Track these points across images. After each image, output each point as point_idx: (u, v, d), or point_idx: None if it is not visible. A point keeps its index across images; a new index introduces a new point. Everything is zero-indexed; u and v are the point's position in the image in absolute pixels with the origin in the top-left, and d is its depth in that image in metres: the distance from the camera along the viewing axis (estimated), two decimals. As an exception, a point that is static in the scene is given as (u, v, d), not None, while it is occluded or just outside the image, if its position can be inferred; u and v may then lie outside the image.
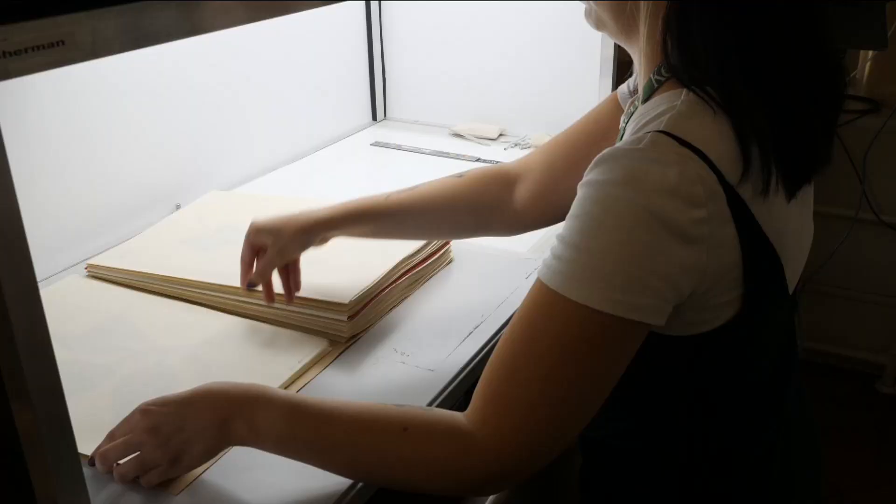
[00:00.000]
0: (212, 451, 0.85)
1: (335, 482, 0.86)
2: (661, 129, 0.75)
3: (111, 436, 0.87)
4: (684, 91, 0.78)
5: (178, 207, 1.51)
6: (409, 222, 1.16)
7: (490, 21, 1.93)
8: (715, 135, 0.75)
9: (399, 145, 1.95)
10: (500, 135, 1.98)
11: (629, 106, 0.93)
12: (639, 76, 0.89)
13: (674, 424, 0.91)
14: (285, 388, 1.01)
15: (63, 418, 0.63)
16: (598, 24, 0.92)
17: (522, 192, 1.16)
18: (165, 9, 0.61)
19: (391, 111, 2.14)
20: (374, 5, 2.02)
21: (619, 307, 0.73)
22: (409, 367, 1.06)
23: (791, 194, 0.81)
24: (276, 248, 1.10)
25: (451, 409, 1.05)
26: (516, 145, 1.92)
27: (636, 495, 0.97)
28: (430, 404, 0.99)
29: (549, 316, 0.76)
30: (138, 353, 1.08)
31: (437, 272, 1.30)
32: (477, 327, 1.14)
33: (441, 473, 0.78)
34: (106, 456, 0.86)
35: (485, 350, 1.10)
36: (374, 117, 2.13)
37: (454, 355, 1.08)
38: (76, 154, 1.34)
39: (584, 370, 0.76)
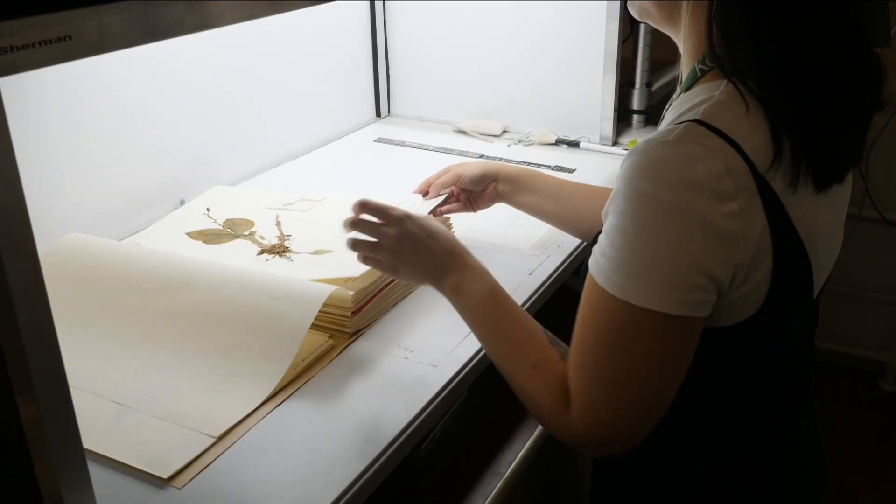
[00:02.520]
0: (416, 278, 1.03)
1: (336, 480, 0.86)
2: (697, 118, 0.77)
3: (364, 205, 1.02)
4: (724, 82, 0.80)
5: (182, 203, 1.51)
6: (566, 204, 1.27)
7: (494, 18, 1.93)
8: (750, 126, 0.77)
9: (403, 142, 1.95)
10: (504, 131, 1.98)
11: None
12: (682, 64, 0.91)
13: (690, 425, 0.92)
14: (288, 383, 1.02)
15: (68, 413, 0.63)
16: (642, 13, 0.93)
17: None
18: (171, 4, 0.61)
19: (395, 108, 2.14)
20: (378, 4, 2.02)
21: (655, 302, 0.77)
22: (411, 362, 1.06)
23: (819, 189, 0.81)
24: (455, 170, 1.32)
25: (453, 404, 1.05)
26: (519, 142, 1.92)
27: (647, 495, 0.98)
28: (432, 400, 0.99)
29: (598, 309, 0.81)
30: (141, 347, 1.08)
31: (440, 268, 1.29)
32: (480, 323, 1.14)
33: (539, 414, 0.88)
34: (357, 225, 1.02)
35: (488, 346, 1.10)
36: (378, 114, 2.13)
37: (457, 351, 1.08)
38: (79, 150, 1.34)
39: (637, 362, 0.79)
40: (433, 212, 1.31)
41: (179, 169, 1.55)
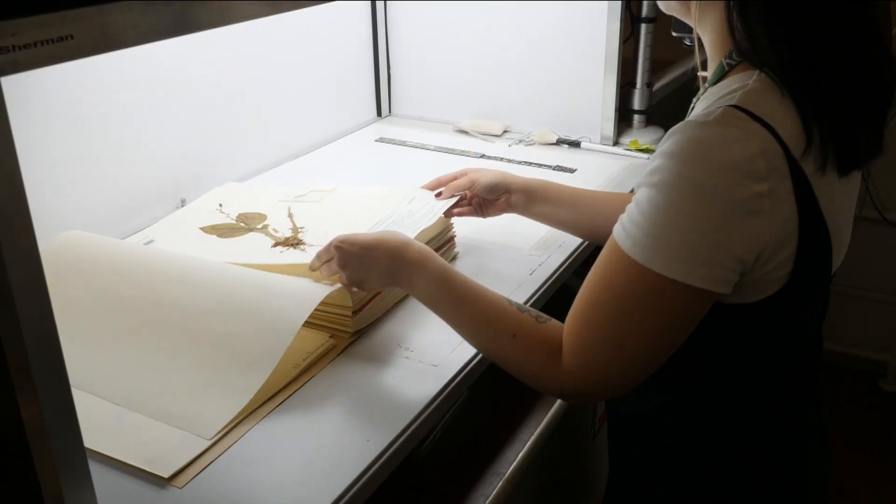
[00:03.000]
0: (384, 287, 1.10)
1: (336, 480, 0.86)
2: (733, 103, 0.81)
3: (318, 256, 1.11)
4: (756, 72, 0.85)
5: (183, 203, 1.51)
6: (583, 211, 1.29)
7: (495, 18, 1.93)
8: (783, 113, 0.81)
9: (404, 141, 1.95)
10: (505, 131, 1.98)
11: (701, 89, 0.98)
12: (708, 57, 0.95)
13: (711, 402, 0.96)
14: (289, 383, 1.02)
15: (69, 411, 0.63)
16: (668, 8, 0.98)
17: None
18: (173, 4, 0.61)
19: (396, 108, 2.14)
20: (379, 4, 2.02)
21: (678, 273, 0.80)
22: (412, 362, 1.06)
23: (842, 173, 0.86)
24: (471, 175, 1.33)
25: (454, 404, 1.05)
26: (520, 142, 1.92)
27: (666, 471, 1.01)
28: (433, 400, 0.99)
29: (618, 273, 0.84)
30: (139, 344, 1.07)
31: (441, 268, 1.29)
32: (481, 323, 1.14)
33: (529, 377, 0.92)
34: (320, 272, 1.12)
35: (489, 346, 1.10)
36: (380, 113, 2.13)
37: (458, 351, 1.08)
38: (80, 149, 1.34)
39: (644, 324, 0.84)
40: (446, 213, 1.31)
41: (180, 168, 1.55)
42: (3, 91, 0.51)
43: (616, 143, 1.89)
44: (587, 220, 1.28)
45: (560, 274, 1.31)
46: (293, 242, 1.30)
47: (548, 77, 1.91)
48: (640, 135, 1.92)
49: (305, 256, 1.23)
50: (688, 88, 2.50)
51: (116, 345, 1.06)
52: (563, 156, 1.84)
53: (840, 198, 0.88)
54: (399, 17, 2.04)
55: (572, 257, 1.35)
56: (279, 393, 1.00)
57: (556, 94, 1.92)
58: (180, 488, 0.85)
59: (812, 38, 0.82)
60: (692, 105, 0.96)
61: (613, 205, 1.25)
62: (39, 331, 0.59)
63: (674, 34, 1.99)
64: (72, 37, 0.54)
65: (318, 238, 1.29)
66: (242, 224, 1.38)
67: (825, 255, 0.87)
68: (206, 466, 0.88)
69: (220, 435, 0.93)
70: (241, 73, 1.66)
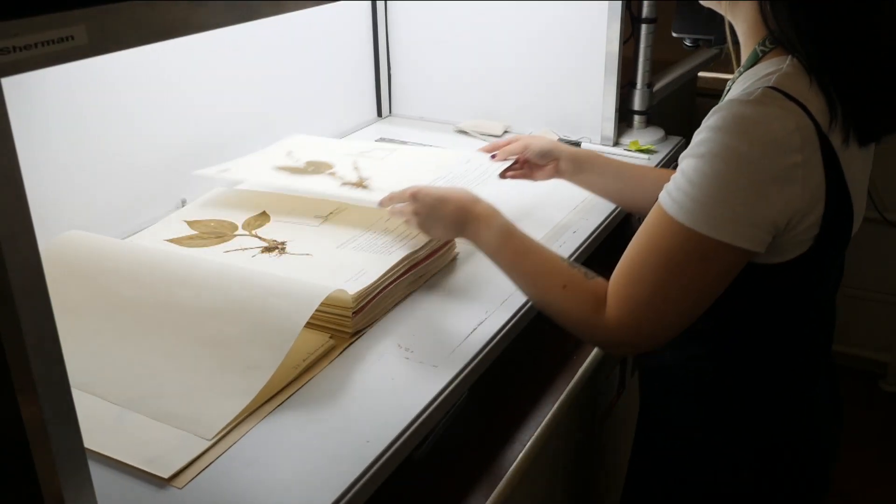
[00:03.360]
0: (449, 236, 1.25)
1: (336, 480, 0.86)
2: (770, 84, 0.91)
3: (390, 197, 1.27)
4: (789, 57, 0.95)
5: (183, 203, 1.51)
6: (626, 181, 1.39)
7: (495, 19, 1.93)
8: (814, 93, 0.91)
9: (404, 141, 1.95)
10: (505, 131, 1.98)
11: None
12: (741, 45, 1.05)
13: (737, 353, 1.05)
14: (289, 383, 1.02)
15: (69, 412, 0.63)
16: (706, 3, 1.08)
17: None
18: (173, 5, 0.61)
19: (396, 108, 2.14)
20: (380, 4, 2.02)
21: (722, 234, 0.90)
22: (413, 362, 1.06)
23: (863, 143, 0.96)
24: (524, 141, 1.44)
25: (454, 404, 1.05)
26: (521, 142, 1.92)
27: (695, 419, 1.10)
28: (433, 400, 0.99)
29: (665, 236, 0.93)
30: (139, 345, 1.07)
31: (441, 268, 1.30)
32: (481, 324, 1.14)
33: (575, 326, 1.03)
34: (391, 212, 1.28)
35: (488, 346, 1.10)
36: (380, 114, 2.13)
37: (458, 351, 1.08)
38: (81, 150, 1.34)
39: (687, 281, 0.93)
40: (500, 174, 1.43)
41: (181, 169, 1.54)
42: (4, 91, 0.51)
43: (616, 144, 1.89)
44: (630, 191, 1.38)
45: (560, 274, 1.30)
46: (360, 186, 1.38)
47: (548, 77, 1.91)
48: (641, 135, 1.92)
49: (373, 196, 1.31)
50: (688, 89, 2.50)
51: (117, 345, 1.07)
52: (564, 156, 1.84)
53: (859, 169, 0.97)
54: (399, 17, 2.04)
55: (574, 257, 1.35)
56: (279, 393, 1.00)
57: (557, 94, 1.92)
58: (180, 488, 0.86)
59: (833, 32, 0.92)
60: (727, 87, 1.05)
61: (654, 177, 1.36)
62: (39, 331, 0.59)
63: (674, 35, 1.99)
64: (72, 37, 0.54)
65: (382, 187, 1.36)
66: (311, 169, 1.47)
67: (847, 220, 0.96)
68: (206, 467, 0.88)
69: (220, 435, 0.93)
70: (242, 73, 1.66)
